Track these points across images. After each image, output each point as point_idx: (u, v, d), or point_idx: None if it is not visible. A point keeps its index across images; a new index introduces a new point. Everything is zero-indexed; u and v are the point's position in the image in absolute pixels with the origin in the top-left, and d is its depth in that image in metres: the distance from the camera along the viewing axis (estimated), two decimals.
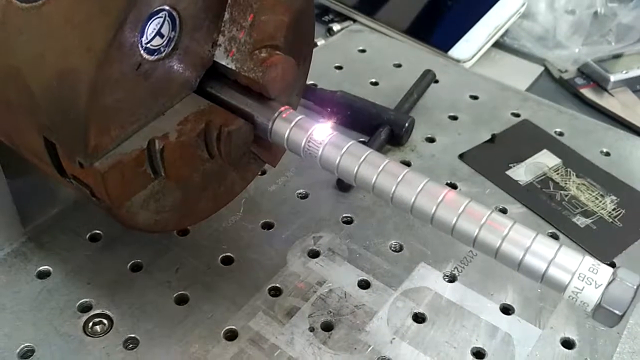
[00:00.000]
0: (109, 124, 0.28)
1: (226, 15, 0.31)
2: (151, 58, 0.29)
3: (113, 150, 0.29)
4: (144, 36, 0.28)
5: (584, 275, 0.25)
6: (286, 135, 0.30)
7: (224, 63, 0.31)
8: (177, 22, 0.29)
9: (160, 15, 0.28)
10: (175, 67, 0.30)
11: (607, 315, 0.25)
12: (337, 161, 0.29)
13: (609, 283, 0.24)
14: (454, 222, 0.27)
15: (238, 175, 0.37)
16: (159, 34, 0.28)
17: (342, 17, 0.69)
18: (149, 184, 0.31)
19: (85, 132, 0.27)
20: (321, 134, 0.30)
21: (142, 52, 0.28)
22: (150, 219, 0.33)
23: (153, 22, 0.28)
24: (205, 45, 0.31)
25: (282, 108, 0.31)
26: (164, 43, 0.29)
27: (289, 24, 0.32)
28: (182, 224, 0.36)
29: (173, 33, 0.29)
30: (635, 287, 0.24)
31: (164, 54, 0.29)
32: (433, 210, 0.27)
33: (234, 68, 0.31)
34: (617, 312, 0.24)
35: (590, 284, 0.25)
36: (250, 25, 0.30)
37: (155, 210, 0.33)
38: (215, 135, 0.31)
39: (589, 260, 0.25)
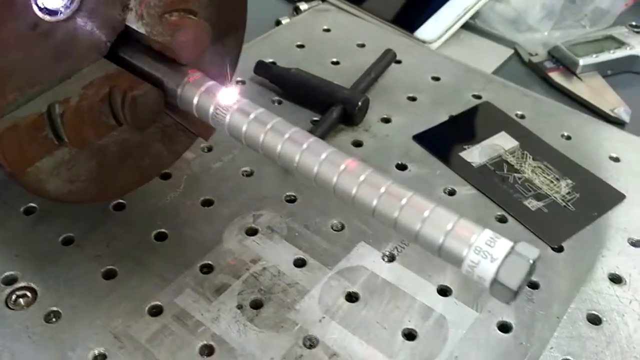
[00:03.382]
0: (4, 86, 0.27)
1: None
2: (50, 19, 0.28)
3: (10, 113, 0.28)
4: None
5: (479, 248, 0.23)
6: (195, 102, 0.29)
7: (134, 27, 0.30)
8: None
9: None
10: (80, 29, 0.29)
11: (502, 290, 0.23)
12: (243, 129, 0.28)
13: (505, 257, 0.23)
14: (354, 191, 0.26)
15: (165, 147, 0.37)
16: None
17: None
18: (54, 150, 0.30)
19: None
20: (229, 100, 0.29)
21: (38, 12, 0.27)
22: (63, 188, 0.32)
23: None
24: (114, 9, 0.30)
25: (191, 72, 0.30)
26: (65, 4, 0.28)
27: None
28: (104, 196, 0.35)
29: None
30: (531, 261, 0.23)
31: (65, 15, 0.28)
32: (335, 180, 0.26)
33: (143, 32, 0.30)
34: (511, 287, 0.23)
35: (486, 257, 0.23)
36: None
37: (67, 179, 0.32)
38: (120, 101, 0.29)
39: (488, 234, 0.24)
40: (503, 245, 0.23)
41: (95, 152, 0.33)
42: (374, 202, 0.26)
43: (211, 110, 0.29)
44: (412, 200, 0.25)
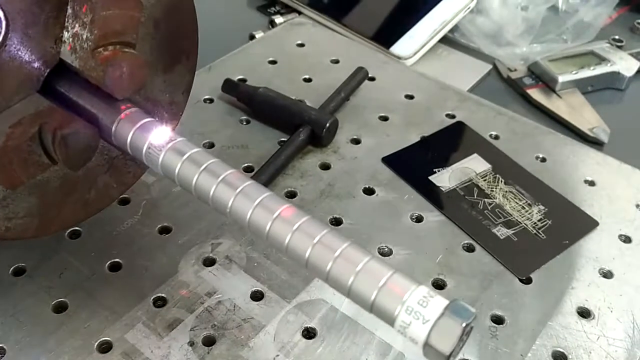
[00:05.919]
0: None
1: (69, 10, 0.28)
2: None
3: None
4: None
5: (411, 308, 0.22)
6: (128, 139, 0.28)
7: (69, 61, 0.29)
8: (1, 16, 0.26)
9: None
10: (6, 64, 0.27)
11: (435, 354, 0.22)
12: (176, 170, 0.27)
13: (437, 319, 0.22)
14: (287, 239, 0.25)
15: (113, 179, 0.35)
16: None
17: (288, 10, 0.66)
18: None
19: None
20: (164, 138, 0.28)
21: None
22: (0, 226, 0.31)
23: None
24: (45, 42, 0.28)
25: (124, 107, 0.28)
26: None
27: (146, 20, 0.30)
28: (46, 231, 0.34)
29: None
30: (464, 324, 0.22)
31: None
32: (268, 227, 0.25)
33: (77, 66, 0.29)
34: (443, 352, 0.22)
35: (418, 318, 0.22)
36: (91, 20, 0.28)
37: (4, 217, 0.31)
38: (51, 139, 0.28)
39: (421, 292, 0.23)
40: (436, 305, 0.22)
41: (35, 188, 0.31)
42: (307, 253, 0.24)
43: (145, 148, 0.28)
44: (346, 252, 0.24)
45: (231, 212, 0.26)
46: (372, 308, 0.23)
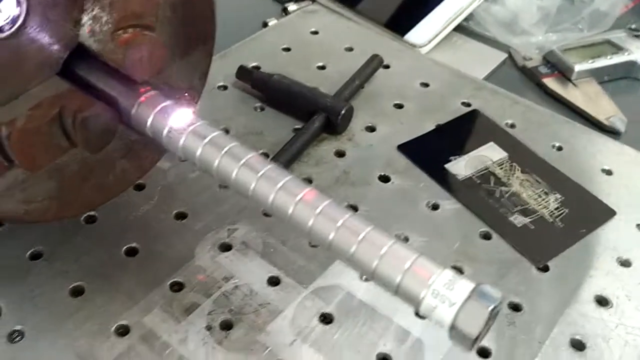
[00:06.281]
0: None
1: None
2: None
3: None
4: None
5: (437, 291, 0.22)
6: (149, 122, 0.28)
7: (88, 44, 0.29)
8: None
9: None
10: (26, 47, 0.27)
11: (461, 337, 0.22)
12: (198, 152, 0.27)
13: (464, 303, 0.22)
14: (310, 223, 0.24)
15: (130, 163, 0.35)
16: None
17: None
18: (5, 172, 0.29)
19: None
20: (184, 121, 0.27)
21: None
22: (18, 209, 0.31)
23: None
24: (64, 24, 0.28)
25: (143, 90, 0.28)
26: (8, 21, 0.26)
27: (163, 3, 0.30)
28: (65, 214, 0.34)
29: (18, 10, 0.26)
30: (491, 307, 0.21)
31: (8, 32, 0.27)
32: (290, 210, 0.25)
33: (96, 49, 0.28)
34: (470, 335, 0.21)
35: (444, 302, 0.22)
36: (110, 3, 0.28)
37: (23, 200, 0.31)
38: (70, 122, 0.28)
39: (447, 275, 0.22)
40: (462, 288, 0.22)
41: (53, 172, 0.31)
42: (331, 236, 0.24)
43: (165, 131, 0.28)
44: (369, 235, 0.24)
45: (253, 195, 0.26)
46: (397, 291, 0.23)
